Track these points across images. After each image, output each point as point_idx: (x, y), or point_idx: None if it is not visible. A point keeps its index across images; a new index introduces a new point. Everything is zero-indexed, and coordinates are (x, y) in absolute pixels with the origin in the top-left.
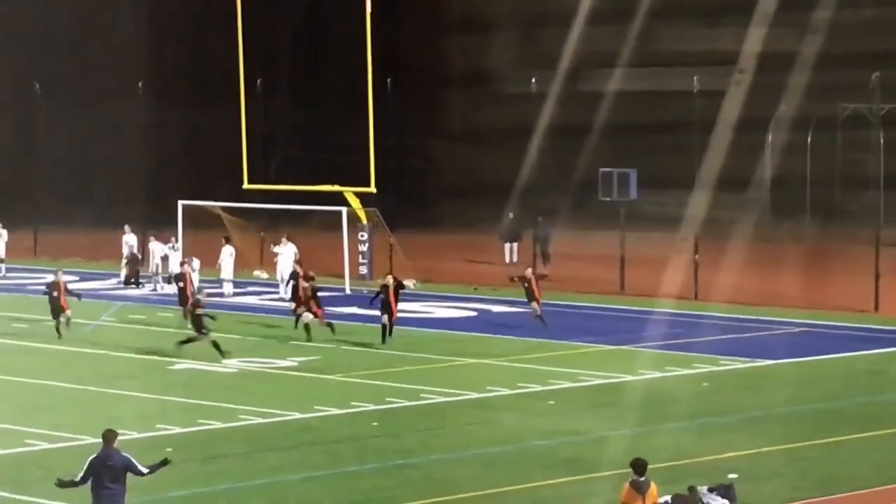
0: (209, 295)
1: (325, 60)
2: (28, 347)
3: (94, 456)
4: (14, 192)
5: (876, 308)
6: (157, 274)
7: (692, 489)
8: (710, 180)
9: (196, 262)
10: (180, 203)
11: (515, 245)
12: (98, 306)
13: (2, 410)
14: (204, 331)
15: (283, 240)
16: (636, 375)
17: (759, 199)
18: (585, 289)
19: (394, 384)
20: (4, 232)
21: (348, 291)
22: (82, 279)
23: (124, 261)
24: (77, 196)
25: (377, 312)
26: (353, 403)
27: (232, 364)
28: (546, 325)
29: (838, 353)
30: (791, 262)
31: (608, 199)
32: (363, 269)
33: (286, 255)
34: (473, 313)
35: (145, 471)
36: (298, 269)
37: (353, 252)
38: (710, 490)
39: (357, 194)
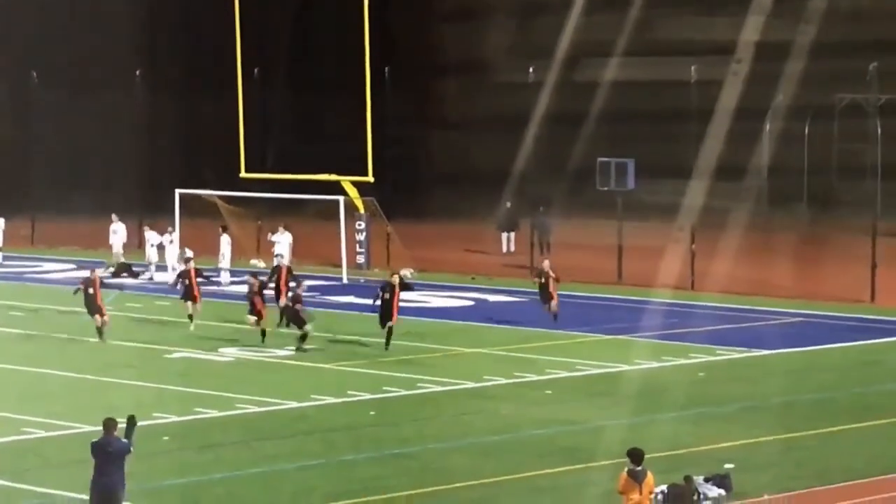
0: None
1: (322, 49)
2: (25, 336)
3: (94, 441)
4: (11, 180)
5: (872, 298)
6: (152, 263)
7: (688, 479)
8: (707, 170)
9: (189, 253)
10: (177, 192)
11: (513, 235)
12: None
13: None
14: (306, 325)
15: (281, 229)
16: (633, 365)
17: (756, 189)
18: (583, 278)
19: (390, 373)
20: (2, 220)
21: (345, 281)
22: (79, 267)
23: (114, 250)
24: (74, 185)
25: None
26: (350, 392)
27: (229, 353)
28: (555, 321)
29: (834, 342)
30: (787, 251)
31: (606, 188)
32: (360, 259)
33: (283, 243)
34: (470, 303)
35: (131, 446)
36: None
37: (351, 241)
38: (706, 480)
39: (354, 183)
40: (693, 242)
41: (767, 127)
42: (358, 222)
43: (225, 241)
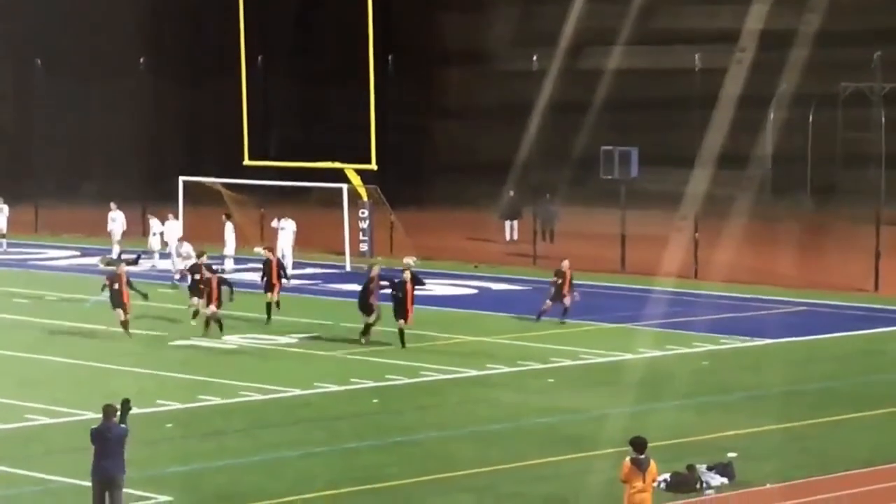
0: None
1: (325, 37)
2: (29, 323)
3: (94, 427)
4: (15, 168)
5: (876, 287)
6: (155, 251)
7: (691, 467)
8: (711, 158)
9: (187, 246)
10: (181, 179)
11: (516, 223)
12: (98, 281)
13: (2, 385)
14: (374, 316)
15: (284, 217)
16: (636, 354)
17: (760, 178)
18: (586, 267)
19: (393, 361)
20: (6, 207)
21: (348, 268)
22: (84, 254)
23: (113, 238)
24: (78, 172)
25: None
26: (353, 380)
27: (232, 340)
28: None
29: (838, 332)
30: (791, 240)
31: (609, 177)
32: (363, 247)
33: (286, 231)
34: (474, 291)
35: (126, 426)
36: (200, 262)
37: (354, 229)
38: (709, 468)
39: (357, 171)
40: (696, 231)
41: (771, 116)
42: (361, 210)
43: (229, 229)
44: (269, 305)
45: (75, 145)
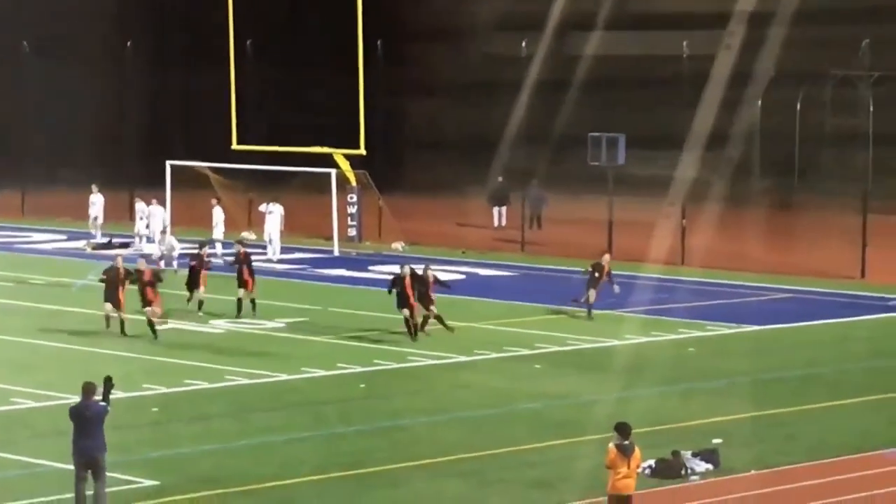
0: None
1: (314, 22)
2: (15, 306)
3: (72, 406)
4: (2, 151)
5: (862, 274)
6: (141, 235)
7: (676, 453)
8: (699, 144)
9: (170, 239)
10: (168, 163)
11: (504, 209)
12: (85, 265)
13: None
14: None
15: (272, 201)
16: (622, 340)
17: (748, 164)
18: (573, 253)
19: (381, 346)
20: None
21: (336, 253)
22: (70, 238)
23: (92, 221)
24: (65, 156)
25: (364, 275)
26: (340, 365)
27: (219, 325)
28: (588, 317)
29: (824, 319)
30: (778, 227)
31: (597, 163)
32: (352, 231)
33: (274, 215)
34: (461, 276)
35: (108, 405)
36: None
37: (342, 214)
38: (695, 455)
39: (346, 156)
40: (683, 217)
41: (760, 102)
42: (350, 195)
43: (218, 213)
44: (239, 302)
45: (63, 129)
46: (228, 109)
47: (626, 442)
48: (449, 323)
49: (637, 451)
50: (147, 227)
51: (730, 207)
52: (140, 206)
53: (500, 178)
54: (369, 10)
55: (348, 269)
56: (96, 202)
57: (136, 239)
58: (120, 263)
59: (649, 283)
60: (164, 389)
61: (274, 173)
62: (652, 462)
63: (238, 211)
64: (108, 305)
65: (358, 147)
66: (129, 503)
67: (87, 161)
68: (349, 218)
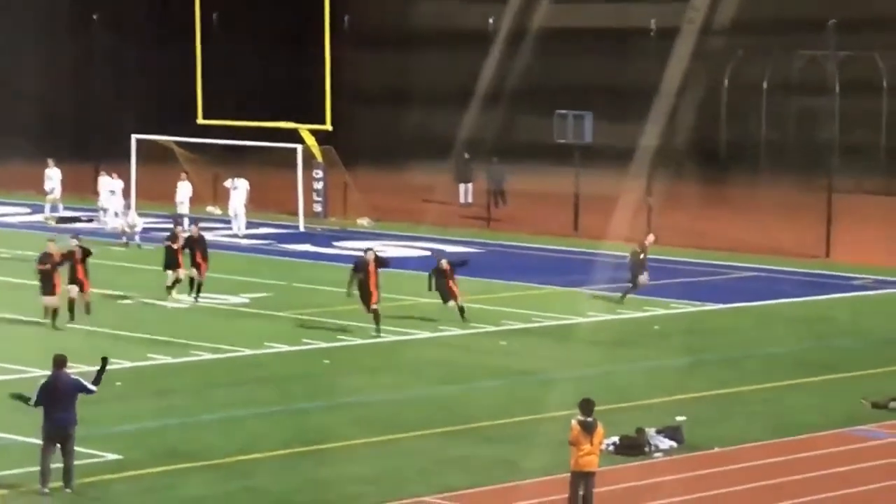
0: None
1: None
2: None
3: (43, 380)
4: None
5: (827, 254)
6: (106, 209)
7: (640, 430)
8: (664, 120)
9: (133, 215)
10: (134, 137)
11: (470, 186)
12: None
13: None
14: (453, 299)
15: (237, 176)
16: (587, 317)
17: (713, 142)
18: (539, 230)
19: (345, 322)
20: None
21: (302, 229)
22: (34, 211)
23: (48, 195)
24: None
25: (329, 250)
26: (305, 341)
27: (183, 299)
28: (623, 300)
29: (789, 297)
30: (743, 206)
31: (563, 140)
32: (318, 207)
33: (239, 191)
34: (427, 252)
35: (94, 388)
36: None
37: (308, 189)
38: (658, 432)
39: (312, 132)
40: (650, 196)
41: (726, 82)
42: (316, 171)
43: (185, 187)
44: (192, 282)
45: (30, 103)
46: (194, 83)
47: (590, 419)
48: (465, 314)
49: (600, 428)
50: (102, 202)
51: (695, 185)
52: (104, 179)
53: (467, 155)
54: None
55: (314, 244)
56: (53, 176)
57: (101, 213)
58: (53, 248)
59: (615, 260)
60: (127, 364)
61: (240, 148)
62: (616, 439)
63: (203, 185)
64: (50, 299)
65: (324, 123)
66: (92, 476)
67: (47, 134)
68: (315, 193)
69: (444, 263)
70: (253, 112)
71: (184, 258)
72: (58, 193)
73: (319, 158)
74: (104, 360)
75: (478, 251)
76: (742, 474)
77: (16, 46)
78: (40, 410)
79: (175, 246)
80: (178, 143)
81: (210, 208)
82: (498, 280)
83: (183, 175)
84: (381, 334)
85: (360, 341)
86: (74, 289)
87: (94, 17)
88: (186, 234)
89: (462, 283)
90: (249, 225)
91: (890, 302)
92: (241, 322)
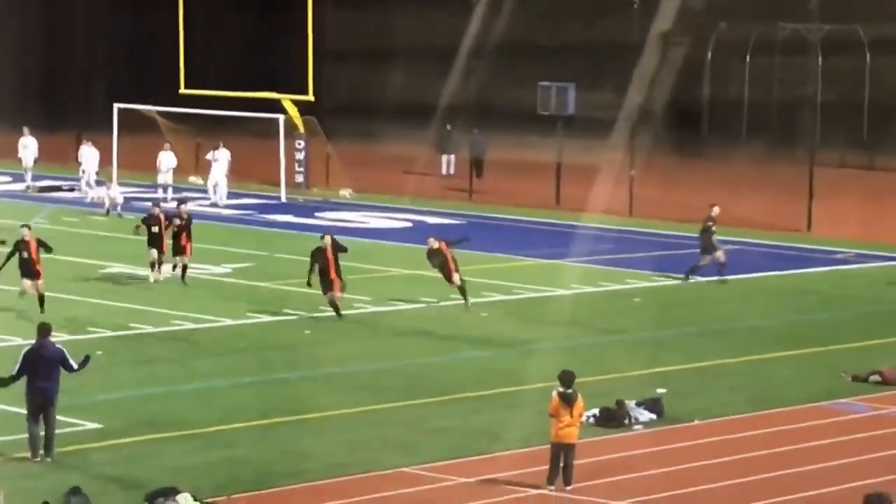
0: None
1: None
2: None
3: (27, 349)
4: None
5: (808, 227)
6: (84, 178)
7: (620, 403)
8: (645, 96)
9: (116, 189)
10: (116, 106)
11: (453, 157)
12: (31, 208)
13: None
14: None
15: (220, 144)
16: (568, 289)
17: (695, 115)
18: (520, 202)
19: None
20: None
21: (283, 199)
22: (15, 180)
23: (25, 165)
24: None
25: (311, 221)
26: (286, 311)
27: (165, 269)
28: (725, 280)
29: (770, 271)
30: (726, 180)
31: (546, 112)
32: (299, 178)
33: (220, 162)
34: (408, 224)
35: (76, 367)
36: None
37: (290, 160)
38: (638, 404)
39: (295, 102)
40: (632, 168)
41: (709, 56)
42: (297, 141)
43: (168, 157)
44: (183, 268)
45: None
46: (177, 52)
47: (569, 391)
48: (469, 299)
49: (580, 400)
50: (83, 171)
51: (677, 158)
52: (84, 149)
53: (449, 127)
54: None
55: (295, 215)
56: (29, 145)
57: (82, 182)
58: (27, 234)
59: (596, 233)
60: (109, 333)
61: (222, 118)
62: (596, 411)
63: (186, 155)
64: (28, 282)
65: (307, 93)
66: (73, 445)
67: (22, 102)
68: (297, 164)
69: (433, 242)
70: (235, 82)
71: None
72: (30, 162)
73: (301, 129)
74: (87, 358)
75: (459, 223)
76: (722, 447)
77: None
78: (23, 379)
79: (155, 229)
80: (161, 113)
81: (192, 178)
82: (479, 252)
83: (166, 145)
84: (357, 306)
85: (342, 311)
86: (28, 282)
87: None
88: (174, 216)
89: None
90: (231, 195)
91: (870, 276)
92: (223, 292)
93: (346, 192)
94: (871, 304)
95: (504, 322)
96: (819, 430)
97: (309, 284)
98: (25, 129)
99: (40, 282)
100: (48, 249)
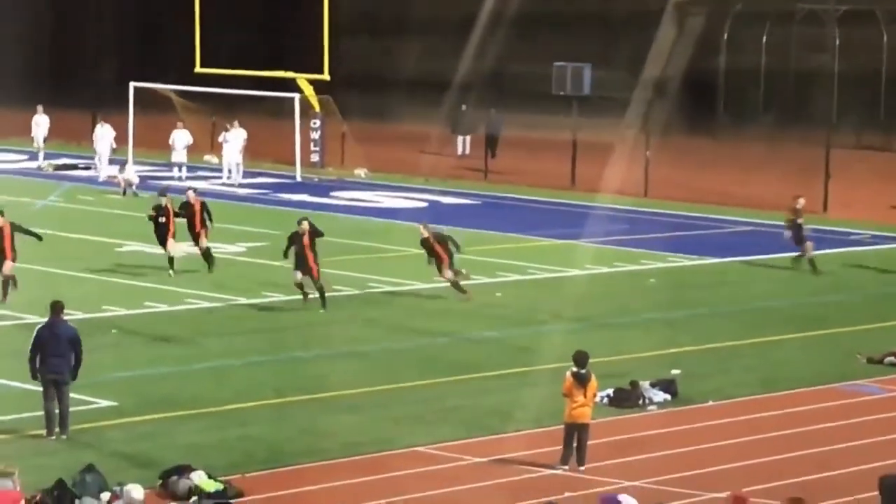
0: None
1: None
2: None
3: (40, 326)
4: None
5: (825, 209)
6: (100, 158)
7: (634, 383)
8: (660, 74)
9: (130, 171)
10: (132, 85)
11: (468, 138)
12: (46, 185)
13: None
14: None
15: (236, 123)
16: (583, 270)
17: (712, 97)
18: (536, 182)
19: (341, 272)
20: None
21: (299, 179)
22: (31, 158)
23: (35, 142)
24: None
25: (326, 200)
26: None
27: (180, 248)
28: (817, 271)
29: (784, 252)
30: (741, 160)
31: (562, 93)
32: (315, 157)
33: (235, 140)
34: (423, 204)
35: (81, 357)
36: None
37: (305, 139)
38: (653, 385)
39: (310, 81)
40: (647, 149)
41: (726, 35)
42: (313, 120)
43: (181, 136)
44: (206, 253)
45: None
46: (191, 30)
47: (583, 371)
48: (465, 288)
49: (593, 380)
50: (97, 151)
51: (692, 138)
52: (101, 129)
53: (465, 107)
54: None
55: (310, 194)
56: (41, 123)
57: (97, 160)
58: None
59: (611, 213)
60: (123, 311)
61: (237, 97)
62: (610, 391)
63: (202, 135)
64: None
65: (322, 72)
66: (87, 423)
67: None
68: (312, 143)
69: (423, 230)
70: (251, 61)
71: (176, 228)
72: (41, 140)
73: (317, 108)
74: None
75: (474, 203)
76: (735, 428)
77: None
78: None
79: (162, 220)
80: (176, 92)
81: (207, 157)
82: (494, 231)
83: (179, 124)
84: (371, 286)
85: (356, 291)
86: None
87: None
88: (184, 200)
89: (459, 235)
90: (246, 174)
91: (886, 257)
92: (237, 271)
93: (361, 172)
94: (886, 285)
95: (518, 302)
96: (833, 411)
97: (285, 256)
98: (39, 108)
99: (7, 264)
100: (33, 235)
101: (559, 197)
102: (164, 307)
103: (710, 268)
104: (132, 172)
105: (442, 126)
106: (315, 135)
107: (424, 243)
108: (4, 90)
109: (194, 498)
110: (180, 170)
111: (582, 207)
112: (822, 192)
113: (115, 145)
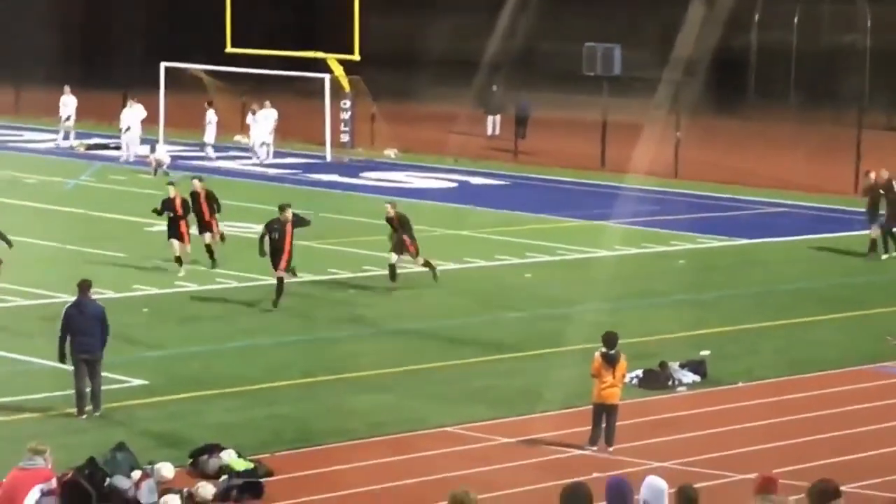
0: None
1: None
2: (7, 204)
3: (68, 305)
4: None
5: (856, 189)
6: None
7: (664, 364)
8: (690, 54)
9: (161, 150)
10: (163, 65)
11: (498, 118)
12: (78, 165)
13: None
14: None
15: (267, 103)
16: (612, 251)
17: (744, 79)
18: (565, 163)
19: (371, 252)
20: None
21: (329, 159)
22: (65, 138)
23: (63, 122)
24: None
25: (356, 181)
26: (330, 270)
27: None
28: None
29: (815, 233)
30: (772, 141)
31: (592, 73)
32: (345, 137)
33: (266, 121)
34: (453, 184)
35: (108, 336)
36: None
37: (335, 120)
38: (682, 366)
39: (341, 62)
40: (678, 130)
41: (757, 16)
42: (343, 101)
43: (210, 116)
44: (207, 248)
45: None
46: (222, 10)
47: (612, 351)
48: (436, 270)
49: (622, 361)
50: (128, 129)
51: (724, 121)
52: (129, 110)
53: (495, 87)
54: None
55: (340, 175)
56: (68, 103)
57: (123, 142)
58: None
59: (641, 194)
60: (154, 291)
61: (267, 77)
62: (639, 372)
63: (231, 114)
64: None
65: (353, 53)
66: (118, 401)
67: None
68: (342, 124)
69: (389, 209)
70: (282, 41)
71: (190, 222)
72: (72, 121)
73: (347, 88)
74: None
75: (503, 183)
76: (765, 409)
77: None
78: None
79: (171, 215)
80: (207, 72)
81: (238, 137)
82: (523, 212)
83: (206, 104)
84: (402, 266)
85: (385, 271)
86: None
87: None
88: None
89: (486, 216)
90: (276, 154)
91: None
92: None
93: (390, 152)
94: None
95: (547, 283)
96: (862, 393)
97: (262, 254)
98: (66, 88)
99: None
100: (5, 241)
101: (588, 177)
102: (194, 286)
103: (740, 249)
104: (163, 152)
105: (472, 106)
106: (345, 115)
107: (390, 222)
108: (36, 70)
109: (224, 476)
110: (206, 150)
111: (611, 188)
112: (853, 172)
113: (137, 128)
